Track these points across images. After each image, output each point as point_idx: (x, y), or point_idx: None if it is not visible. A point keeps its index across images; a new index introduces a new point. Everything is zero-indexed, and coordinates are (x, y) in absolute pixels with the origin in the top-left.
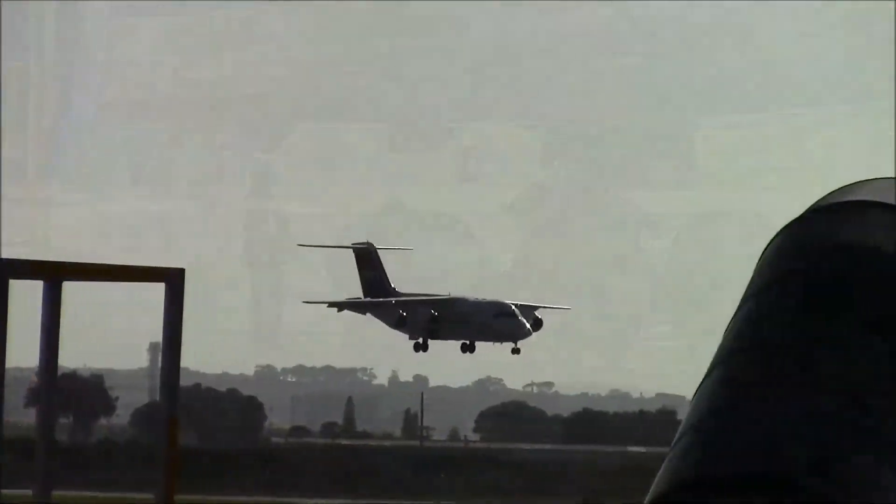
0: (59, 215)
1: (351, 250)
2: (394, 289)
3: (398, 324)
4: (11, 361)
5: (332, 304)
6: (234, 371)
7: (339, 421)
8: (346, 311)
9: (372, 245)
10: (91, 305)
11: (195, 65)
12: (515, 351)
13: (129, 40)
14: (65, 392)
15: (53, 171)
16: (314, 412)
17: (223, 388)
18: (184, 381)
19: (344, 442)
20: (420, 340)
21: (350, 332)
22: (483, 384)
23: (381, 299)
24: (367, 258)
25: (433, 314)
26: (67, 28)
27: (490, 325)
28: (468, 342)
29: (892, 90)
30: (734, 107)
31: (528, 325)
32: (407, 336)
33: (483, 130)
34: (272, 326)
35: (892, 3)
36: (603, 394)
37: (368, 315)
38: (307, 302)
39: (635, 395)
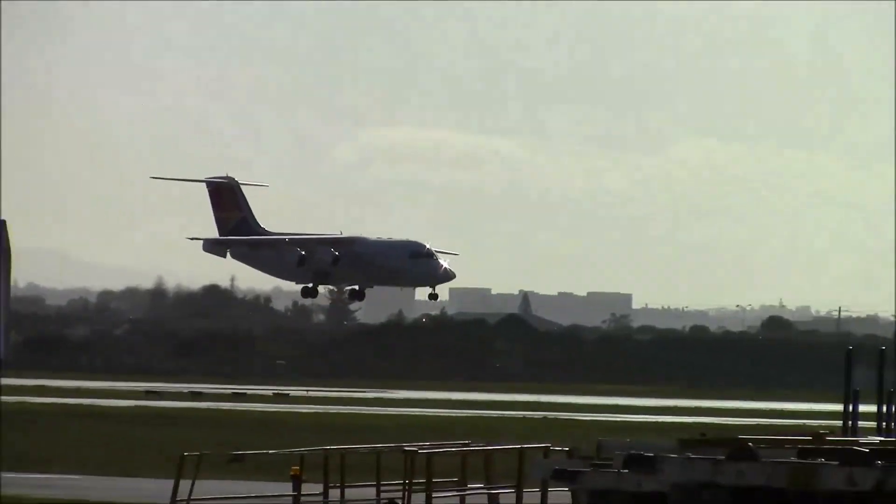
0: None
1: (205, 186)
2: (264, 229)
3: (297, 265)
4: None
5: (213, 242)
6: None
7: None
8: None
9: (234, 180)
10: None
11: None
12: (433, 296)
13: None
14: None
15: None
16: None
17: None
18: None
19: None
20: (310, 285)
21: None
22: None
23: (270, 236)
24: (229, 195)
25: (335, 256)
26: None
27: (403, 268)
28: (358, 288)
29: None
30: None
31: (448, 267)
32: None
33: None
34: None
35: None
36: None
37: (230, 259)
38: (192, 238)
39: None
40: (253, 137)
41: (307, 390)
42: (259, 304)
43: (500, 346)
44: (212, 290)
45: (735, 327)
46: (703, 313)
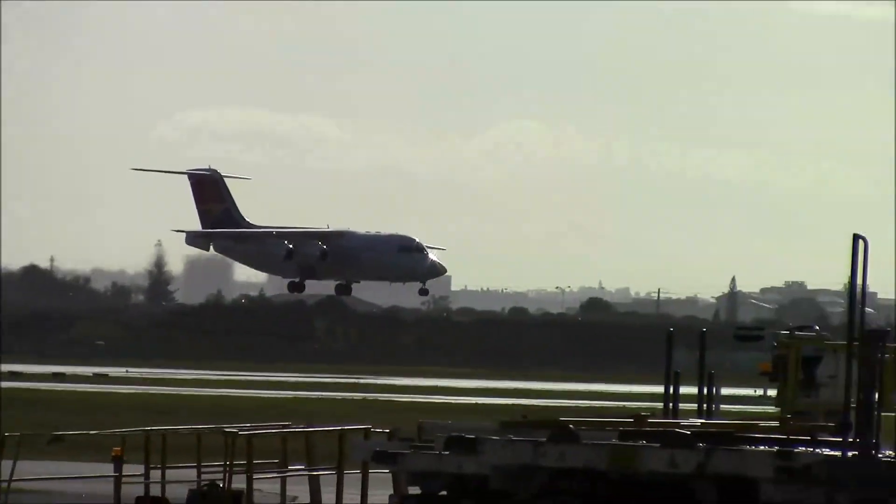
0: None
1: (186, 178)
2: (248, 222)
3: (284, 259)
4: None
5: (196, 235)
6: None
7: None
8: None
9: (217, 172)
10: None
11: None
12: (423, 291)
13: None
14: None
15: None
16: None
17: None
18: None
19: None
20: (297, 280)
21: None
22: None
23: (256, 229)
24: (212, 187)
25: (323, 250)
26: None
27: (392, 262)
28: (345, 283)
29: None
30: None
31: (438, 261)
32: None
33: None
34: None
35: None
36: None
37: (213, 252)
38: (177, 231)
39: None
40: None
41: (127, 370)
42: (78, 285)
43: (319, 327)
44: (31, 271)
45: (554, 309)
46: (522, 295)
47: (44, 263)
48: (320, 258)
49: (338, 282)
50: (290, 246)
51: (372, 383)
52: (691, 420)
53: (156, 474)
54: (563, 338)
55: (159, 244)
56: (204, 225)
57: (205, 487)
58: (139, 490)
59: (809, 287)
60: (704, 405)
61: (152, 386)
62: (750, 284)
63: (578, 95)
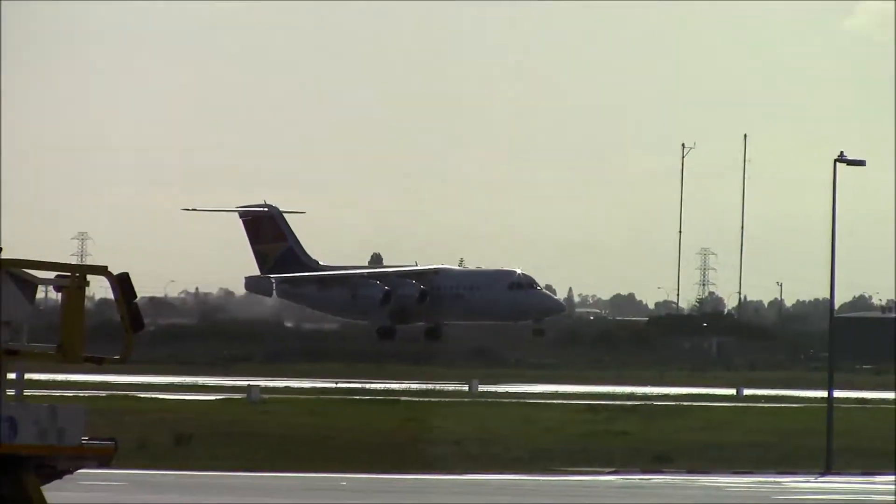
0: None
1: (238, 217)
2: (316, 262)
3: (381, 303)
4: None
5: (267, 280)
6: None
7: None
8: None
9: (275, 208)
10: None
11: None
12: (538, 332)
13: None
14: None
15: None
16: None
17: None
18: None
19: None
20: (388, 325)
21: None
22: None
23: (333, 272)
24: (270, 226)
25: (422, 291)
26: None
27: (503, 300)
28: (434, 326)
29: None
30: None
31: (555, 296)
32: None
33: None
34: None
35: None
36: None
37: (277, 298)
38: (250, 279)
39: None
40: None
41: None
42: None
43: None
44: None
45: None
46: None
47: None
48: (419, 300)
49: (429, 325)
50: (387, 288)
51: None
52: None
53: None
54: None
55: None
56: (262, 267)
57: None
58: None
59: None
60: None
61: None
62: None
63: None
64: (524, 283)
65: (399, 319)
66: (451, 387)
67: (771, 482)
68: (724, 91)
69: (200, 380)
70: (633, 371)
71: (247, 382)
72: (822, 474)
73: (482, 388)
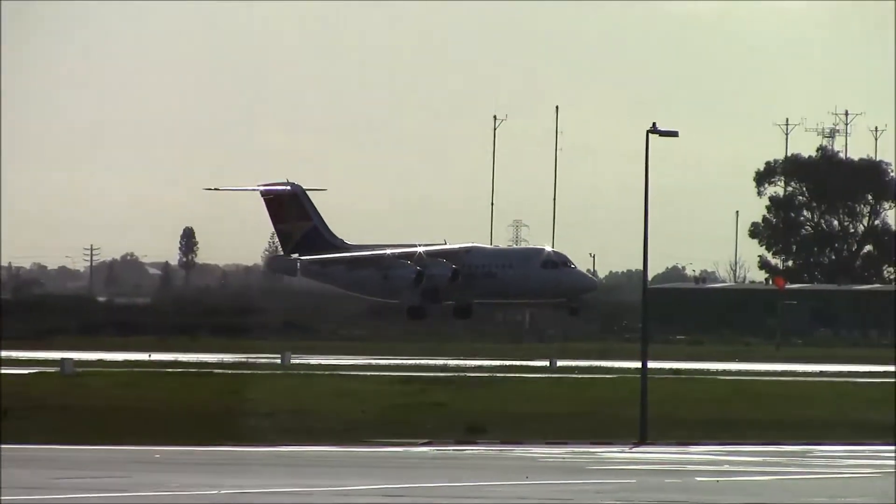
0: None
1: (260, 196)
2: (342, 241)
3: (415, 283)
4: None
5: (291, 261)
6: None
7: None
8: None
9: (298, 186)
10: None
11: None
12: (573, 311)
13: None
14: None
15: None
16: None
17: None
18: None
19: None
20: (419, 305)
21: None
22: None
23: (367, 253)
24: (294, 204)
25: (454, 270)
26: None
27: (536, 279)
28: (464, 305)
29: None
30: None
31: (590, 274)
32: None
33: None
34: None
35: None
36: None
37: (302, 277)
38: (273, 258)
39: None
40: None
41: None
42: None
43: None
44: None
45: None
46: None
47: None
48: (451, 279)
49: (458, 304)
50: (419, 268)
51: None
52: None
53: None
54: None
55: None
56: (285, 247)
57: None
58: None
59: None
60: None
61: None
62: None
63: None
64: (558, 262)
65: (430, 299)
66: (264, 359)
67: (585, 453)
68: (535, 63)
69: (14, 354)
70: (446, 343)
71: (60, 356)
72: (637, 445)
73: (295, 360)
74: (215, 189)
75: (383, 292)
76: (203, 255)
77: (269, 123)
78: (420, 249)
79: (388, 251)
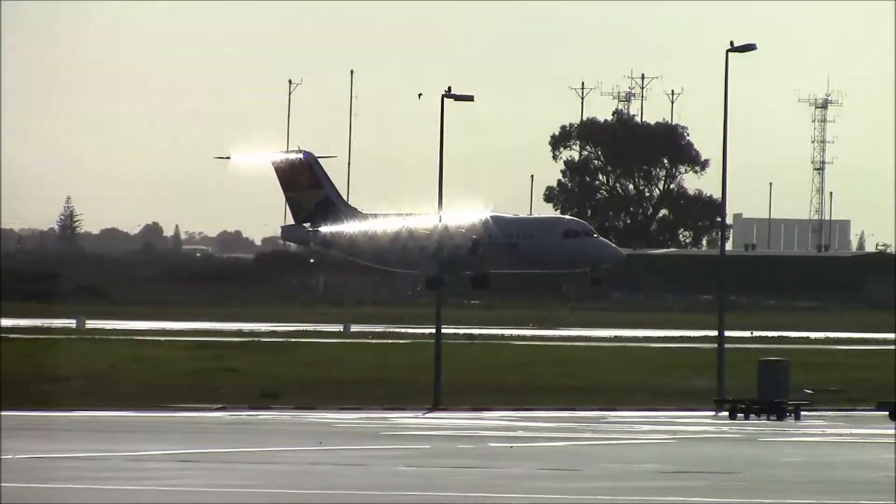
0: None
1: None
2: (356, 209)
3: (434, 255)
4: None
5: (303, 230)
6: None
7: None
8: None
9: (311, 154)
10: None
11: None
12: (596, 280)
13: None
14: None
15: None
16: None
17: None
18: None
19: None
20: (437, 275)
21: None
22: None
23: (383, 220)
24: (305, 173)
25: (475, 241)
26: None
27: (559, 249)
28: (482, 275)
29: None
30: None
31: (611, 244)
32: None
33: None
34: None
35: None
36: None
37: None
38: (287, 228)
39: None
40: None
41: None
42: None
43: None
44: None
45: None
46: None
47: None
48: (472, 250)
49: (477, 274)
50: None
51: None
52: None
53: None
54: None
55: None
56: (296, 216)
57: None
58: None
59: None
60: None
61: None
62: None
63: None
64: (580, 231)
65: (449, 269)
66: (58, 323)
67: (379, 418)
68: (330, 27)
69: None
70: (241, 308)
71: None
72: (430, 410)
73: (90, 324)
74: (227, 158)
75: (401, 263)
76: None
77: None
78: (438, 220)
79: (407, 221)
